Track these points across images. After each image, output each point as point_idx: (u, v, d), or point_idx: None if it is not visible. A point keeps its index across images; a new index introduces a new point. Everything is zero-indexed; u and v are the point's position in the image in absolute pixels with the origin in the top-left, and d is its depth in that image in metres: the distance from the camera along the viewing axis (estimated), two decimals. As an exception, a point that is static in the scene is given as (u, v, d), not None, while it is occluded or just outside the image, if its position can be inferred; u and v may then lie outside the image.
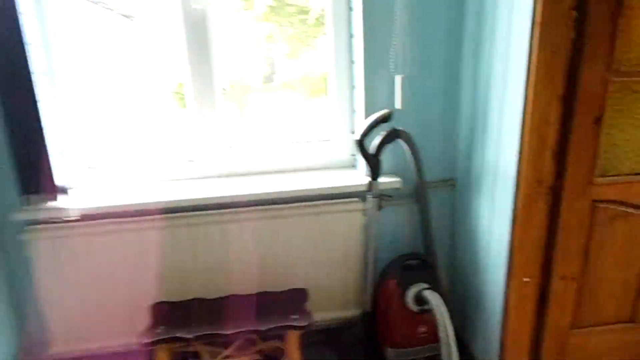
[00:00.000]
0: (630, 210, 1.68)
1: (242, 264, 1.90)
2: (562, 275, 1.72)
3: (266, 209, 1.86)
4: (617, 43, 1.46)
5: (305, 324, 1.65)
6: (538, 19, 1.40)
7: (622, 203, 1.67)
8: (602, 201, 1.65)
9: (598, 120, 1.53)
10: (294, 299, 1.82)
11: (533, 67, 1.43)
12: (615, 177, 1.64)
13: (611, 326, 1.85)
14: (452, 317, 1.71)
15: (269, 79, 2.29)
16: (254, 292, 1.86)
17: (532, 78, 1.44)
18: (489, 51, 1.67)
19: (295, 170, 2.05)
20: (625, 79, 1.51)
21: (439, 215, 2.05)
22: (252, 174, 2.02)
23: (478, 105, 1.77)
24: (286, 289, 1.88)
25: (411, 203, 1.97)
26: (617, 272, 1.77)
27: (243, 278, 1.91)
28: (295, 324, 1.65)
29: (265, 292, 1.87)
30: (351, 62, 1.92)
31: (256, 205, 1.86)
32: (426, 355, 1.85)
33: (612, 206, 1.66)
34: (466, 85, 1.85)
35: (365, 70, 1.81)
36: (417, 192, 1.88)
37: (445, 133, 1.95)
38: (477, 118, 1.78)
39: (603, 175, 1.63)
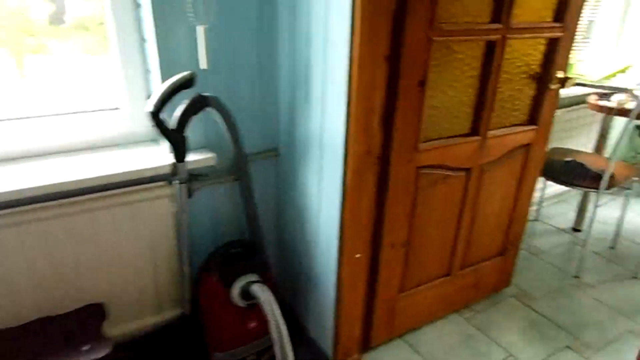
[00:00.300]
0: (448, 172, 1.68)
1: (6, 286, 1.38)
2: (391, 243, 1.66)
3: (34, 209, 1.35)
4: (439, -2, 1.34)
5: (100, 355, 1.27)
6: (360, -37, 1.17)
7: (441, 167, 1.65)
8: (425, 167, 1.60)
9: (422, 83, 1.42)
10: (85, 321, 1.40)
11: (357, 24, 1.22)
12: (436, 142, 1.60)
13: (432, 282, 1.92)
14: (285, 303, 1.53)
15: (58, 20, 1.66)
16: (28, 320, 1.38)
17: (357, 36, 1.23)
18: (307, 2, 1.40)
19: (75, 151, 1.54)
20: (446, 37, 1.42)
21: (264, 192, 1.80)
22: (10, 159, 1.46)
23: (299, 66, 1.51)
24: (77, 307, 1.45)
25: (231, 181, 1.67)
26: (438, 233, 1.80)
27: (10, 305, 1.40)
28: (85, 358, 1.26)
29: (47, 317, 1.40)
30: (136, 5, 1.45)
31: (19, 205, 1.32)
32: (258, 350, 1.65)
33: (433, 171, 1.63)
34: (284, 41, 1.57)
35: (155, 17, 1.37)
36: (237, 168, 1.59)
37: (263, 97, 1.66)
38: (299, 80, 1.53)
39: (425, 140, 1.56)
